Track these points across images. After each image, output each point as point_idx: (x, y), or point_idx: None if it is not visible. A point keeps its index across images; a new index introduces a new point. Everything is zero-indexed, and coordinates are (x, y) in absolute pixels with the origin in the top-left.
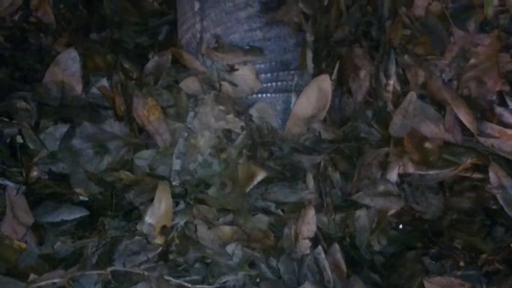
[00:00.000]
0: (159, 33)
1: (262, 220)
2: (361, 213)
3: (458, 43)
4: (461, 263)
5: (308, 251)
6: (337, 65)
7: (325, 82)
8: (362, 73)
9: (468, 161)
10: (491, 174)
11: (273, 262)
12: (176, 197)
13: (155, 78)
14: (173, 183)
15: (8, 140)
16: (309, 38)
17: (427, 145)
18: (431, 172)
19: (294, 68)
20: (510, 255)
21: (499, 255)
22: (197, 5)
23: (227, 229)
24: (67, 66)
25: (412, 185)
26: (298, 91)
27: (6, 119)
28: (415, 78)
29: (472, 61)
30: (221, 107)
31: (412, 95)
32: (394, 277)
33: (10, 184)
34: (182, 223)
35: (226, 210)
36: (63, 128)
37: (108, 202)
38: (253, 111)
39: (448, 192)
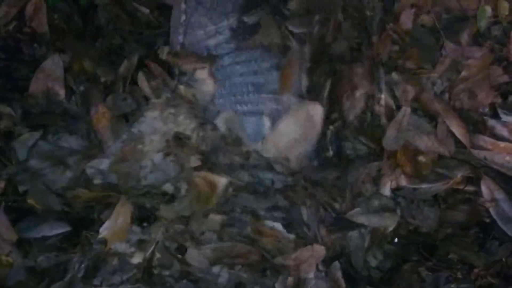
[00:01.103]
0: (154, 45)
1: (215, 220)
2: (353, 233)
3: (449, 56)
4: (459, 275)
5: (311, 275)
6: (329, 81)
7: (317, 113)
8: (358, 93)
9: (460, 175)
10: (483, 188)
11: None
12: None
13: (123, 80)
14: (94, 182)
15: None
16: (307, 53)
17: (421, 158)
18: (424, 185)
19: (266, 91)
20: (503, 269)
21: (492, 269)
22: (183, 17)
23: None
24: (51, 72)
25: (407, 199)
26: (273, 116)
27: None
28: (404, 94)
29: (464, 73)
30: (172, 110)
31: (405, 110)
32: None
33: None
34: (158, 237)
35: (183, 217)
36: (36, 136)
37: (91, 216)
38: (219, 121)
39: (442, 205)
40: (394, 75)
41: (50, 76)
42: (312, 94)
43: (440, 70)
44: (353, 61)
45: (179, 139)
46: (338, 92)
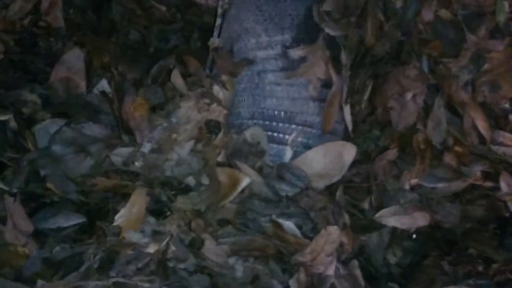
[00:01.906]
0: (169, 40)
1: (230, 209)
2: (373, 234)
3: (471, 49)
4: (480, 268)
5: (332, 271)
6: (370, 85)
7: (349, 154)
8: (409, 95)
9: (479, 171)
10: (502, 183)
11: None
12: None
13: (154, 78)
14: (136, 164)
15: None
16: (345, 59)
17: (457, 148)
18: (441, 184)
19: (298, 122)
20: None
21: (511, 265)
22: (218, 21)
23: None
24: (72, 65)
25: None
26: (295, 147)
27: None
28: (448, 88)
29: (486, 66)
30: (206, 100)
31: (439, 101)
32: (413, 285)
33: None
34: (174, 230)
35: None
36: (58, 123)
37: (106, 206)
38: (247, 134)
39: (463, 199)
40: (442, 68)
41: (70, 68)
42: (353, 98)
43: (462, 62)
44: (399, 62)
45: (211, 127)
46: (383, 94)
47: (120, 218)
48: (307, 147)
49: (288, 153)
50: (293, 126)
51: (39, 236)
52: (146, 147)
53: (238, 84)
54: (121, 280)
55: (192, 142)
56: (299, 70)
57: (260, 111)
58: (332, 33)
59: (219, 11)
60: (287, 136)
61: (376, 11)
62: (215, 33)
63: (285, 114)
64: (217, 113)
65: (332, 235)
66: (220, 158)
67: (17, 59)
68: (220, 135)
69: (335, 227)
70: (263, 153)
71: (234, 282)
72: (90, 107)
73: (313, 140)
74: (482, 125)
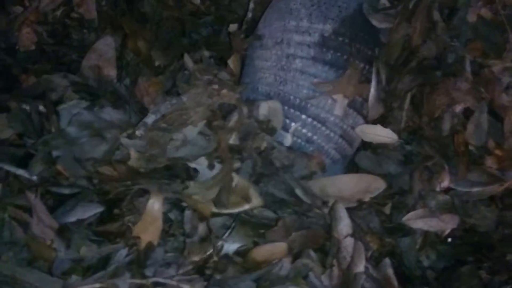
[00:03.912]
0: (200, 33)
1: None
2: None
3: None
4: None
5: (362, 267)
6: (408, 96)
7: (377, 189)
8: (458, 108)
9: None
10: None
11: None
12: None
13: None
14: (136, 133)
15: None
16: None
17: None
18: (475, 189)
19: (308, 114)
20: None
21: None
22: (249, 15)
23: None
24: (103, 52)
25: (462, 198)
26: (297, 137)
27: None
28: (491, 92)
29: None
30: (215, 86)
31: (483, 105)
32: None
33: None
34: (233, 248)
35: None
36: (82, 105)
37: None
38: (263, 106)
39: (500, 204)
40: (487, 71)
41: (101, 56)
42: (393, 101)
43: (505, 64)
44: (449, 71)
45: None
46: (431, 103)
47: (137, 228)
48: (310, 142)
49: (287, 141)
50: (304, 116)
51: (63, 230)
52: (150, 118)
53: (265, 61)
54: (161, 280)
55: (203, 123)
56: (330, 88)
57: (277, 92)
58: (378, 25)
59: (251, 6)
60: (293, 124)
61: (430, 8)
62: (243, 26)
63: (300, 102)
64: (228, 97)
65: (338, 211)
66: (232, 141)
67: (50, 50)
68: (235, 117)
69: (337, 201)
70: (274, 131)
71: (279, 279)
72: (117, 95)
73: (319, 137)
74: None
